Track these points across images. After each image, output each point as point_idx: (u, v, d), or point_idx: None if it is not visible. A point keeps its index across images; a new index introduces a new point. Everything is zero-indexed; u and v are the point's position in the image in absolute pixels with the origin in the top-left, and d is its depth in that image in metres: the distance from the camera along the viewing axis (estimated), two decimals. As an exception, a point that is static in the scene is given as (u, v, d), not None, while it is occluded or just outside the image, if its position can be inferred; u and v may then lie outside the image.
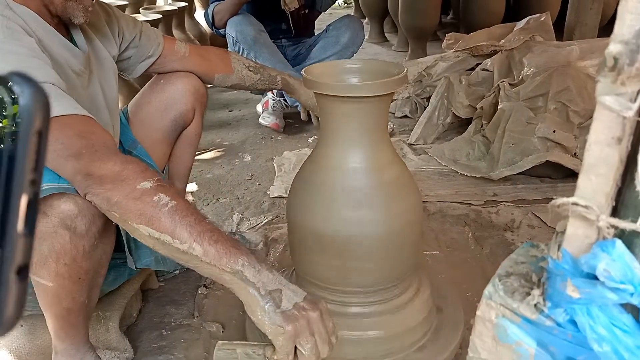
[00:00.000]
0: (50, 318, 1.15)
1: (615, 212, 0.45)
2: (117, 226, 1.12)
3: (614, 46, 0.38)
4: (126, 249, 1.18)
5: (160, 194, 0.92)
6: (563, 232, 0.48)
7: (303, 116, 1.69)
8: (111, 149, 0.97)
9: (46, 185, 0.98)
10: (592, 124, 0.41)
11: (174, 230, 0.90)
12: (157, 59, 1.46)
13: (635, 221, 0.42)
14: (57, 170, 0.97)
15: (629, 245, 0.44)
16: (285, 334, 0.87)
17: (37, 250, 1.04)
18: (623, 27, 0.38)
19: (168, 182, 1.52)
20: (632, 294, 0.43)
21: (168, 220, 0.91)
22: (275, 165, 2.44)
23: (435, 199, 2.08)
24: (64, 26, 1.21)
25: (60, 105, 0.96)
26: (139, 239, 0.96)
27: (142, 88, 1.55)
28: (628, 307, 0.46)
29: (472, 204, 2.05)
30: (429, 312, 1.29)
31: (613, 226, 0.43)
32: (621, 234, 0.45)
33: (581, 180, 0.44)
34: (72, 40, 1.22)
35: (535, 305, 0.49)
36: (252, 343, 0.95)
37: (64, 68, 1.14)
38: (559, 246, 0.47)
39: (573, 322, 0.47)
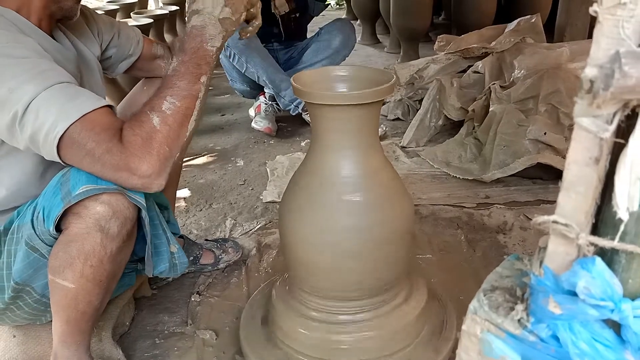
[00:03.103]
0: (60, 322, 1.15)
1: (595, 230, 0.46)
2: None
3: (589, 70, 0.38)
4: (147, 255, 1.19)
5: (164, 101, 1.04)
6: (545, 248, 0.48)
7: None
8: (117, 134, 1.00)
9: (84, 188, 1.00)
10: (571, 144, 0.42)
11: (192, 88, 1.07)
12: (138, 58, 1.46)
13: (614, 239, 0.43)
14: (96, 173, 1.01)
15: (609, 262, 0.45)
16: None
17: (63, 252, 1.05)
18: (599, 51, 0.39)
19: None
20: (612, 310, 0.44)
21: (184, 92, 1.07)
22: (268, 169, 2.43)
23: (428, 202, 2.09)
24: (50, 32, 1.20)
25: (88, 100, 1.00)
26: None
27: (128, 88, 1.54)
28: (610, 322, 0.47)
29: (465, 207, 2.05)
30: (422, 316, 1.30)
31: (593, 244, 0.44)
32: (601, 251, 0.45)
33: (561, 198, 0.45)
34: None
35: (519, 320, 0.50)
36: None
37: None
38: (541, 262, 0.48)
39: (556, 338, 0.48)
